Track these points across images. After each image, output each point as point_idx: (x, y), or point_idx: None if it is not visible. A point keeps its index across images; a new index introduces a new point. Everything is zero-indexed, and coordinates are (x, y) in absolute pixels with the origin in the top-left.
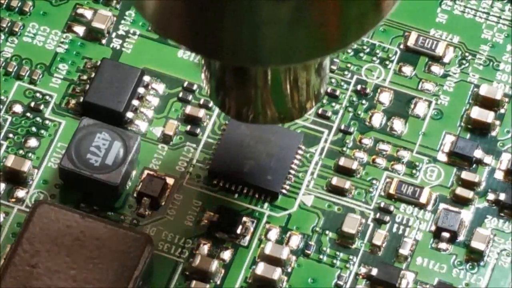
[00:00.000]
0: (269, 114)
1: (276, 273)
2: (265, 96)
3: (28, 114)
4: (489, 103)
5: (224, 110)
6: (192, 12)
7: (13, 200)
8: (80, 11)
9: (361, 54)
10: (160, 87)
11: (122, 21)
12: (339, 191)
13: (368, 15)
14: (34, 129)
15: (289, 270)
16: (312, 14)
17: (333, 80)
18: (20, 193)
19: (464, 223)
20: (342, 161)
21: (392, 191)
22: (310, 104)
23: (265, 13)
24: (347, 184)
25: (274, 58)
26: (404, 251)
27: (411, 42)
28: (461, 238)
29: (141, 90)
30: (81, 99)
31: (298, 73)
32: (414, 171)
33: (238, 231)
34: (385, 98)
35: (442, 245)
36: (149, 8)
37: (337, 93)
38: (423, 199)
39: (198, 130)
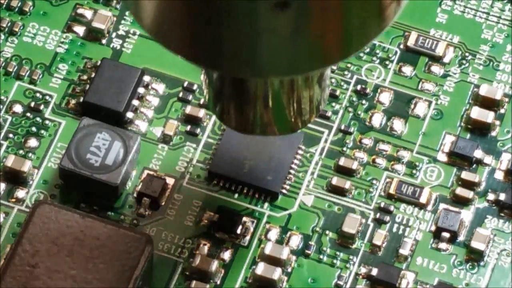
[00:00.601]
0: (268, 127)
1: (276, 273)
2: (264, 108)
3: (28, 114)
4: (489, 103)
5: (223, 121)
6: (190, 22)
7: (13, 200)
8: (80, 11)
9: (361, 54)
10: (160, 87)
11: (122, 21)
12: (339, 191)
13: (369, 25)
14: (34, 129)
15: (289, 270)
16: (312, 25)
17: (333, 80)
18: (20, 193)
19: (464, 223)
20: (342, 161)
21: (392, 191)
22: (311, 116)
23: (264, 24)
24: (347, 184)
25: (273, 69)
26: (404, 251)
27: (411, 42)
28: (461, 238)
29: (141, 90)
30: (81, 99)
31: (298, 85)
32: (414, 171)
33: (238, 231)
34: (385, 98)
35: (442, 245)
36: (146, 18)
37: (337, 93)
38: (423, 199)
39: (198, 130)
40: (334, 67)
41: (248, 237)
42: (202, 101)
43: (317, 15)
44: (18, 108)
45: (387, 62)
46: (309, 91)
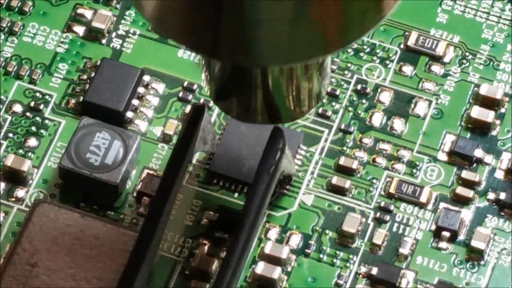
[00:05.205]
0: (269, 115)
1: (276, 273)
2: (265, 97)
3: (28, 114)
4: (489, 103)
5: (224, 110)
6: (191, 10)
7: (13, 199)
8: (80, 11)
9: (362, 54)
10: (160, 87)
11: (122, 21)
12: (339, 191)
13: (369, 13)
14: (34, 128)
15: (289, 269)
16: (313, 12)
17: (333, 80)
18: (20, 192)
19: (464, 222)
20: (342, 161)
21: (392, 190)
22: (311, 104)
23: (265, 12)
24: (347, 184)
25: (273, 58)
26: (404, 250)
27: (411, 42)
28: (461, 237)
29: (141, 90)
30: (81, 98)
31: (298, 73)
32: (414, 171)
33: None
34: (385, 97)
35: (442, 244)
36: (148, 7)
37: (337, 92)
38: (423, 199)
39: None
40: (334, 67)
41: None
42: (202, 101)
43: (317, 3)
44: (17, 108)
45: (387, 62)
46: (309, 79)
